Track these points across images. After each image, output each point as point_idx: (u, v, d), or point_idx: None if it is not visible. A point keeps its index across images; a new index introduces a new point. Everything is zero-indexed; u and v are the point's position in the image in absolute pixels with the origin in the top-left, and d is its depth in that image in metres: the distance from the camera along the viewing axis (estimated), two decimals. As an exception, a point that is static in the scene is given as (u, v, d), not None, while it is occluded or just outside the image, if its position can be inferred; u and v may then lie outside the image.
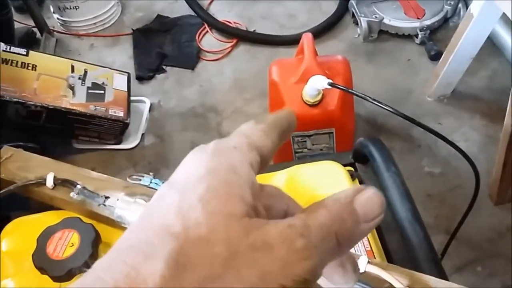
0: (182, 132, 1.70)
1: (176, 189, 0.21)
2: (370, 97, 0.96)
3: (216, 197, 0.20)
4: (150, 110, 1.73)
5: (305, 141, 1.39)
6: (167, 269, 0.18)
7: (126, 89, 1.63)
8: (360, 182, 0.81)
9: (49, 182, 0.71)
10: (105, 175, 0.72)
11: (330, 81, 1.05)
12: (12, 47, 1.49)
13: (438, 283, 0.56)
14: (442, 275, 0.62)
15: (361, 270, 0.55)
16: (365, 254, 0.64)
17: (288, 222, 0.20)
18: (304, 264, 0.19)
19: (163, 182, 0.64)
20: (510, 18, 1.30)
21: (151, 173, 0.64)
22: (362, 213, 0.22)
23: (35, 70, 1.49)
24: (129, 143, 1.62)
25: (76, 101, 1.49)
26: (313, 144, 1.40)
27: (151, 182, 0.64)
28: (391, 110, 0.89)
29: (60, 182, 0.71)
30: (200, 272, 0.18)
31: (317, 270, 0.20)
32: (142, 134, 1.65)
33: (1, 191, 0.70)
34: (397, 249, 0.73)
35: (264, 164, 0.24)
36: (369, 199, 0.22)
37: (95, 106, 1.51)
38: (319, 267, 0.20)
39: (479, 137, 1.61)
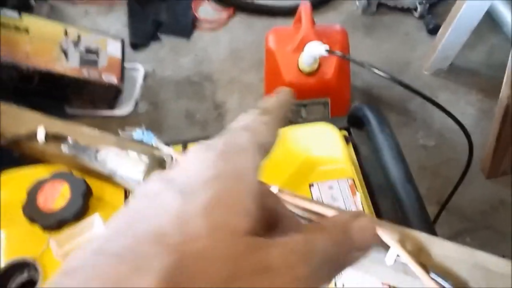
0: (176, 100, 1.69)
1: (176, 190, 0.19)
2: (367, 64, 0.95)
3: (221, 208, 0.18)
4: (144, 77, 1.71)
5: (299, 111, 1.38)
6: (160, 287, 0.16)
7: (120, 56, 1.61)
8: (354, 147, 0.81)
9: (40, 137, 0.70)
10: (97, 130, 0.71)
11: (327, 46, 1.04)
12: (4, 10, 1.46)
13: (429, 239, 0.56)
14: (433, 234, 0.62)
15: (390, 263, 0.53)
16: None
17: (290, 247, 0.19)
18: None
19: (155, 136, 0.64)
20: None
21: (143, 126, 0.63)
22: (356, 240, 0.21)
23: (28, 33, 1.46)
24: (122, 110, 1.61)
25: (69, 65, 1.47)
26: (308, 114, 1.39)
27: (143, 135, 0.63)
28: (387, 77, 0.88)
29: (51, 137, 0.70)
30: None
31: None
32: (136, 101, 1.64)
33: (-9, 144, 0.69)
34: (389, 212, 0.73)
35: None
36: (364, 227, 0.22)
37: (88, 71, 1.49)
38: None
39: (475, 112, 1.61)
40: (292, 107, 0.25)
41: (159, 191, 0.19)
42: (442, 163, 1.43)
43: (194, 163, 0.20)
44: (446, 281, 0.52)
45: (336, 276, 0.22)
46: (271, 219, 0.24)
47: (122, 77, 1.55)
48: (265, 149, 0.22)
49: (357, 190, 0.68)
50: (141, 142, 0.65)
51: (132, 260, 0.16)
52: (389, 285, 0.58)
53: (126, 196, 0.67)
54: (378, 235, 0.23)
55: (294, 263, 0.19)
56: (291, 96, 0.26)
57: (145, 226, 0.18)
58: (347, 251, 0.21)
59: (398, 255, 0.55)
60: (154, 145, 0.64)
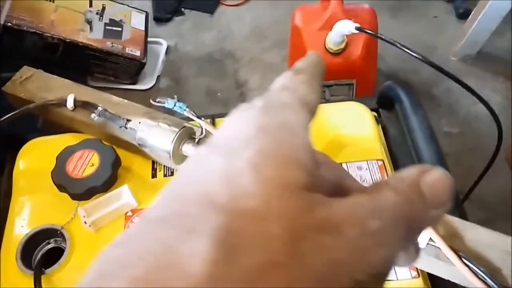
0: (198, 76, 1.67)
1: (219, 152, 0.17)
2: (399, 44, 0.93)
3: (270, 162, 0.16)
4: (166, 52, 1.70)
5: (324, 91, 1.36)
6: (215, 251, 0.14)
7: (143, 29, 1.60)
8: (383, 128, 0.80)
9: (70, 104, 0.70)
10: (126, 100, 0.71)
11: (358, 25, 1.01)
12: (29, -22, 1.46)
13: (462, 224, 0.55)
14: (463, 217, 0.60)
15: (423, 246, 0.53)
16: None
17: (356, 202, 0.17)
18: (380, 252, 0.16)
19: (187, 106, 0.63)
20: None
21: (175, 96, 0.62)
22: (430, 196, 0.18)
23: (53, 1, 1.45)
24: (144, 84, 1.60)
25: (93, 36, 1.46)
26: (332, 95, 1.37)
27: (175, 105, 0.62)
28: (419, 57, 0.86)
29: (81, 104, 0.70)
30: (256, 257, 0.14)
31: (392, 262, 0.17)
32: (158, 76, 1.63)
33: (20, 109, 0.69)
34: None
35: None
36: (437, 180, 0.19)
37: (112, 43, 1.48)
38: (394, 257, 0.17)
39: (501, 100, 1.57)
40: (324, 64, 0.23)
41: (202, 157, 0.18)
42: (465, 151, 1.41)
43: (234, 124, 0.19)
44: (479, 268, 0.51)
45: (416, 238, 0.20)
46: (335, 194, 0.22)
47: (145, 51, 1.55)
48: (308, 107, 0.20)
49: (387, 172, 0.67)
50: (171, 113, 0.64)
51: (180, 223, 0.15)
52: (416, 269, 0.57)
53: (153, 168, 0.67)
54: (453, 188, 0.19)
55: (363, 217, 0.16)
56: (320, 56, 0.24)
57: (191, 190, 0.17)
58: (421, 208, 0.18)
59: (430, 239, 0.54)
60: (185, 115, 0.63)
